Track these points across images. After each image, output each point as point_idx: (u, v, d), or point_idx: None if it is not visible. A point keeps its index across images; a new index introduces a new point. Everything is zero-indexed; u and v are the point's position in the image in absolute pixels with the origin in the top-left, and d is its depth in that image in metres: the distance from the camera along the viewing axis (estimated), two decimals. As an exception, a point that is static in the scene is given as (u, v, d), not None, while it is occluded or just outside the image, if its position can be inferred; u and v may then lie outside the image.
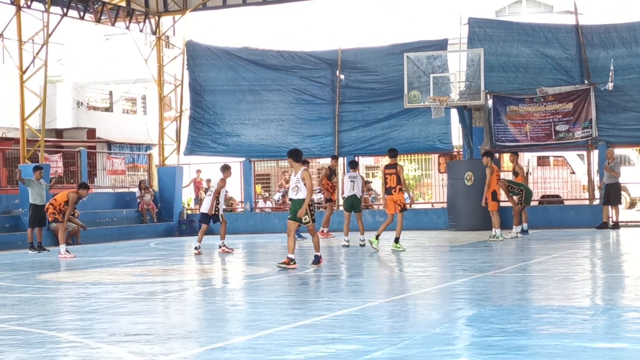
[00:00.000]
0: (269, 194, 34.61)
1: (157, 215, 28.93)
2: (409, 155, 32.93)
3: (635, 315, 8.76)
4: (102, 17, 28.35)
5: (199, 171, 31.57)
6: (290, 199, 14.47)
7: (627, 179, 26.61)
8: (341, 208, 23.11)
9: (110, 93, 41.01)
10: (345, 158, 27.01)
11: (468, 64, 25.37)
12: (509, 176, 22.81)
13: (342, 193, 20.56)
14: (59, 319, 9.61)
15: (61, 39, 36.42)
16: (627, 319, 8.55)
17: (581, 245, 19.23)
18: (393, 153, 18.07)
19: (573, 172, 30.38)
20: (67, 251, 19.27)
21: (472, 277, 12.41)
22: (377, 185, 36.13)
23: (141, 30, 29.60)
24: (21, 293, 12.39)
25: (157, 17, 29.78)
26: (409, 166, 35.60)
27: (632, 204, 31.92)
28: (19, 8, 24.90)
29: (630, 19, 26.75)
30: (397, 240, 17.59)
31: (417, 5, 50.16)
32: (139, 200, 28.75)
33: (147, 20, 29.58)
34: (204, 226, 19.09)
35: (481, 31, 26.56)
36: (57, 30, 25.91)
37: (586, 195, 27.45)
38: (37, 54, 25.32)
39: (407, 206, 19.04)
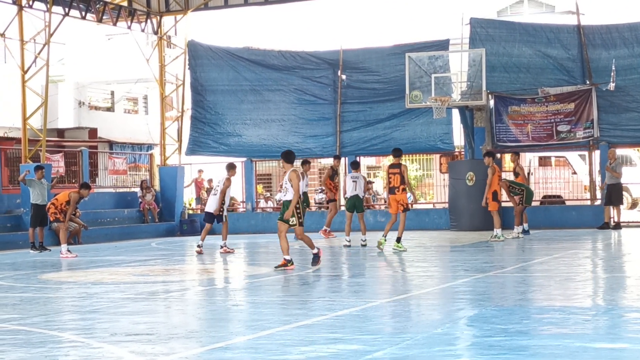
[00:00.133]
0: (270, 194, 34.65)
1: (159, 215, 28.94)
2: (410, 156, 32.91)
3: (636, 315, 8.75)
4: (104, 17, 28.36)
5: (200, 171, 31.58)
6: (280, 200, 14.39)
7: (629, 180, 26.61)
8: (342, 208, 23.09)
9: (112, 93, 41.00)
10: (346, 158, 27.00)
11: (470, 64, 25.37)
12: (510, 176, 22.81)
13: (345, 193, 20.55)
14: (60, 319, 9.61)
15: (63, 39, 36.42)
16: (628, 320, 8.54)
17: (582, 245, 19.22)
18: (397, 153, 18.07)
19: (574, 173, 30.37)
20: (68, 251, 19.28)
21: (474, 277, 12.40)
22: (378, 185, 36.18)
23: (143, 30, 29.61)
24: (22, 293, 12.40)
25: (158, 17, 29.79)
26: (410, 166, 35.59)
27: (633, 205, 31.90)
28: (20, 8, 24.92)
29: (632, 19, 26.73)
30: (399, 240, 17.58)
31: (418, 6, 50.18)
32: (140, 200, 28.76)
33: (148, 20, 29.58)
34: (207, 225, 19.07)
35: (483, 31, 26.55)
36: (58, 30, 25.92)
37: (588, 195, 27.44)
38: (39, 53, 25.33)
39: (410, 206, 19.00)
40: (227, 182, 18.75)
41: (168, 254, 19.79)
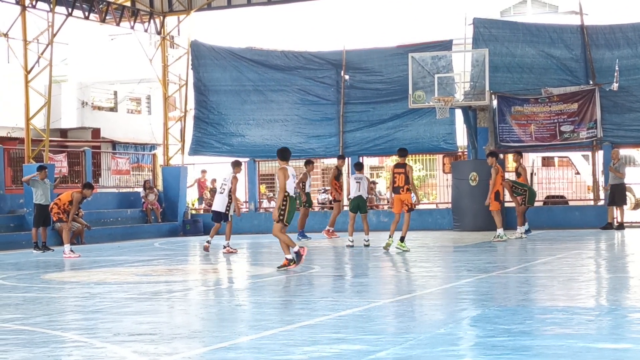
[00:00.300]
0: (274, 194, 34.61)
1: (162, 215, 28.95)
2: (413, 156, 32.82)
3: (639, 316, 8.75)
4: (107, 17, 28.38)
5: (204, 171, 31.57)
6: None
7: (632, 180, 26.57)
8: (346, 208, 23.08)
9: (115, 93, 41.03)
10: (349, 159, 26.99)
11: (473, 64, 25.38)
12: (512, 176, 22.79)
13: (348, 194, 20.54)
14: (63, 319, 9.61)
15: (66, 39, 36.49)
16: (632, 320, 8.53)
17: (586, 245, 19.20)
18: (403, 152, 18.09)
19: (578, 173, 30.33)
20: (71, 251, 19.28)
21: (477, 277, 12.40)
22: (381, 185, 36.17)
23: (146, 30, 29.61)
24: (25, 292, 12.40)
25: (161, 17, 29.79)
26: (413, 166, 35.55)
27: (637, 205, 31.85)
28: (23, 8, 24.93)
29: (635, 19, 26.71)
30: (402, 240, 17.58)
31: (421, 6, 50.15)
32: (143, 200, 28.77)
33: (151, 20, 29.59)
34: (217, 224, 19.11)
35: (486, 31, 26.55)
36: (61, 30, 25.95)
37: (591, 195, 27.41)
38: (42, 53, 25.34)
39: (414, 206, 18.99)
40: (235, 181, 18.79)
41: (171, 254, 19.80)
